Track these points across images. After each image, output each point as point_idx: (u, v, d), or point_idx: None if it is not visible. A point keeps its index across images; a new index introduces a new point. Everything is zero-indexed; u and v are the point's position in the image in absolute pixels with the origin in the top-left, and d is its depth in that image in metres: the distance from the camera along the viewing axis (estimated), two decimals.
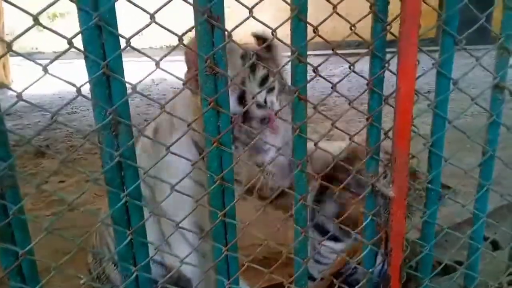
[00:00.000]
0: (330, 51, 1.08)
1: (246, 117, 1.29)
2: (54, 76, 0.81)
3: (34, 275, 0.97)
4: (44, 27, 0.82)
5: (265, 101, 1.30)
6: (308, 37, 1.05)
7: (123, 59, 0.92)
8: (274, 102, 1.31)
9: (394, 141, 1.15)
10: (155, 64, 0.89)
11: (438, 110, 1.26)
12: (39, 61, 0.81)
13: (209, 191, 1.06)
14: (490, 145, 1.38)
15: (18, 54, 0.86)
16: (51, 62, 0.79)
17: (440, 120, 1.27)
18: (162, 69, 0.90)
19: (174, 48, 0.93)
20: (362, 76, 1.16)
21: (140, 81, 0.92)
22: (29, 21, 0.78)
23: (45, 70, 0.79)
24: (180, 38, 0.91)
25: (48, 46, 9.33)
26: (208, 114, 1.01)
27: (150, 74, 0.92)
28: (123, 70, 0.92)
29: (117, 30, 0.89)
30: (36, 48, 9.72)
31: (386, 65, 1.15)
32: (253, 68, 1.30)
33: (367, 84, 1.15)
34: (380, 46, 1.14)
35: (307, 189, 1.17)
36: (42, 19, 0.78)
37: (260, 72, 1.30)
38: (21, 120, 5.35)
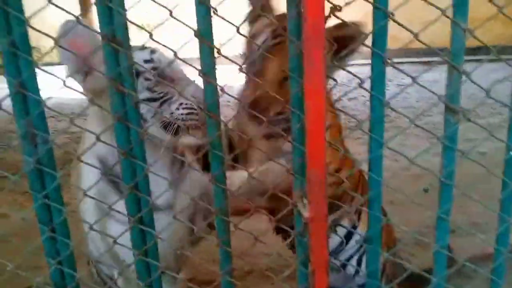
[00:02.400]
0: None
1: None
2: None
3: None
4: None
5: (152, 59, 1.36)
6: None
7: None
8: (161, 59, 1.37)
9: (307, 162, 1.14)
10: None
11: (373, 134, 1.20)
12: None
13: None
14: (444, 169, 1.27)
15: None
16: None
17: (375, 143, 1.21)
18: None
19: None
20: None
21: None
22: None
23: None
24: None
25: None
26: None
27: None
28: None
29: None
30: None
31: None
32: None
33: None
34: None
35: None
36: None
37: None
38: None
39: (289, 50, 1.12)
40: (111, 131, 1.09)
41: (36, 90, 1.07)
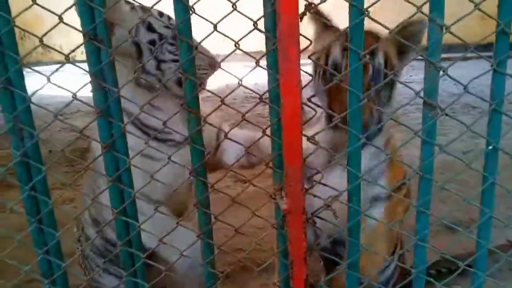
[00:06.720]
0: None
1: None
2: None
3: None
4: None
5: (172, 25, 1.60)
6: None
7: None
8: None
9: (284, 156, 1.17)
10: None
11: (350, 128, 1.23)
12: None
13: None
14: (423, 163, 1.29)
15: None
16: None
17: (353, 137, 1.24)
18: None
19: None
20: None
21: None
22: None
23: None
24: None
25: None
26: None
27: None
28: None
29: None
30: None
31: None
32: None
33: (260, 98, 1.19)
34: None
35: None
36: None
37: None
38: None
39: (266, 46, 1.15)
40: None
41: (22, 86, 1.11)
